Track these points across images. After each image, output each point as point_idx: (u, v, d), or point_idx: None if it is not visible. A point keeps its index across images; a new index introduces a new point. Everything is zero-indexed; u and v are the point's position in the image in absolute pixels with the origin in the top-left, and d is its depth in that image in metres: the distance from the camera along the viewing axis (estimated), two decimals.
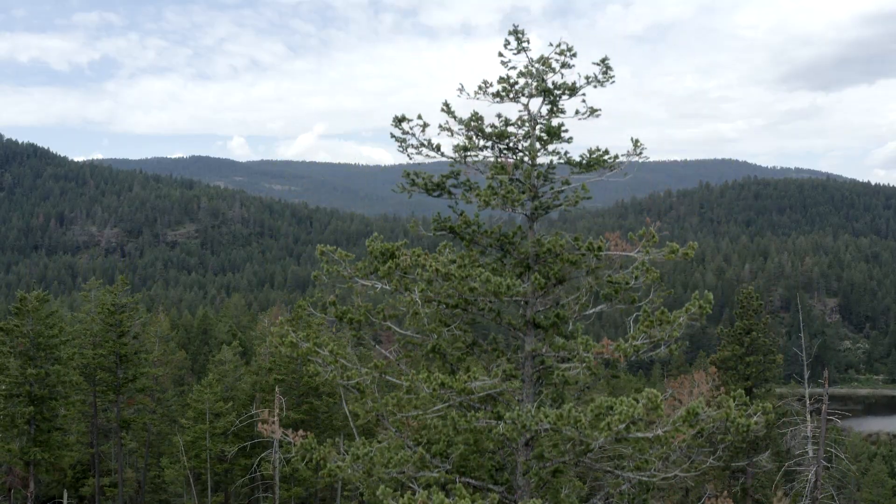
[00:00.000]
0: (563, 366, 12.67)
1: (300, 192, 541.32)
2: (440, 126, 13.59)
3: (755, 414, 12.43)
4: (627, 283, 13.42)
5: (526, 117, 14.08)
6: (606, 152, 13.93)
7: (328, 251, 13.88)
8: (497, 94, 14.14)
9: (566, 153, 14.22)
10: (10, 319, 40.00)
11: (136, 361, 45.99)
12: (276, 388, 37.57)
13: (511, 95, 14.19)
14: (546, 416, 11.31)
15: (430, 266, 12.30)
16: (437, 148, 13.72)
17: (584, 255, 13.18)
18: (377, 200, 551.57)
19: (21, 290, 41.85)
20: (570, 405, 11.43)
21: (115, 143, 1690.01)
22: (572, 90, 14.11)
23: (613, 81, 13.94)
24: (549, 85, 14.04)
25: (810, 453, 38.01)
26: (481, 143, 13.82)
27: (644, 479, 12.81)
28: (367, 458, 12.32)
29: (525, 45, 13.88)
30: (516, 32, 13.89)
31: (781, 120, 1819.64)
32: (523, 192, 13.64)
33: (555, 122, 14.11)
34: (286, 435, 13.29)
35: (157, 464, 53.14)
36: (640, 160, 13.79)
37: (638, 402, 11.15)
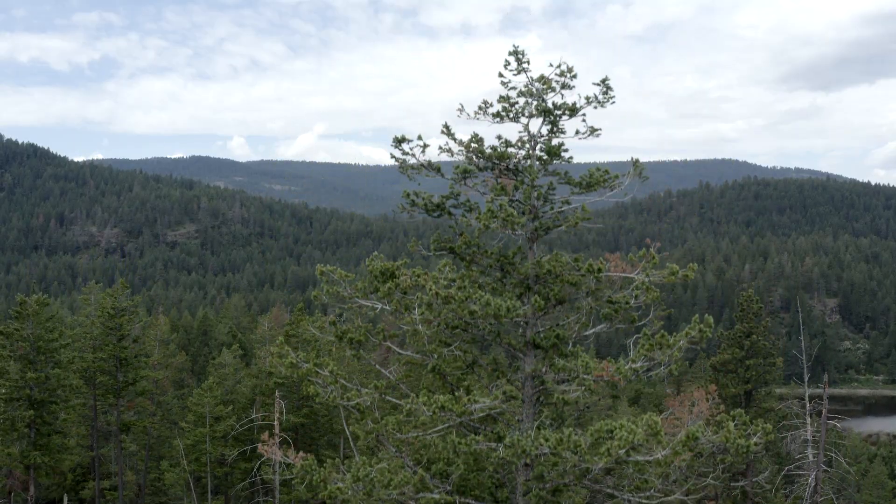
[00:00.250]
0: (563, 388, 12.67)
1: (300, 192, 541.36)
2: (440, 147, 13.61)
3: (755, 434, 12.43)
4: (627, 303, 13.42)
5: (526, 138, 14.09)
6: (607, 172, 13.93)
7: (328, 271, 13.88)
8: (497, 115, 14.14)
9: (566, 173, 14.23)
10: (11, 323, 40.02)
11: (136, 365, 46.00)
12: (276, 392, 37.60)
13: (511, 115, 14.19)
14: (546, 440, 11.32)
15: (430, 289, 12.29)
16: (438, 169, 13.73)
17: (584, 276, 13.18)
18: (377, 200, 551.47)
19: (21, 294, 41.84)
20: (569, 430, 11.43)
21: (115, 143, 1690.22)
22: (573, 110, 14.11)
23: (614, 102, 13.94)
24: (550, 105, 14.03)
25: (810, 457, 37.99)
26: (481, 162, 13.82)
27: (643, 501, 12.80)
28: (367, 480, 12.30)
29: (525, 65, 13.87)
30: (516, 53, 13.90)
31: (781, 120, 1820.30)
32: (523, 214, 13.64)
33: (555, 141, 14.11)
34: (286, 456, 13.26)
35: (157, 467, 53.15)
36: (641, 180, 13.77)
37: (637, 426, 11.16)
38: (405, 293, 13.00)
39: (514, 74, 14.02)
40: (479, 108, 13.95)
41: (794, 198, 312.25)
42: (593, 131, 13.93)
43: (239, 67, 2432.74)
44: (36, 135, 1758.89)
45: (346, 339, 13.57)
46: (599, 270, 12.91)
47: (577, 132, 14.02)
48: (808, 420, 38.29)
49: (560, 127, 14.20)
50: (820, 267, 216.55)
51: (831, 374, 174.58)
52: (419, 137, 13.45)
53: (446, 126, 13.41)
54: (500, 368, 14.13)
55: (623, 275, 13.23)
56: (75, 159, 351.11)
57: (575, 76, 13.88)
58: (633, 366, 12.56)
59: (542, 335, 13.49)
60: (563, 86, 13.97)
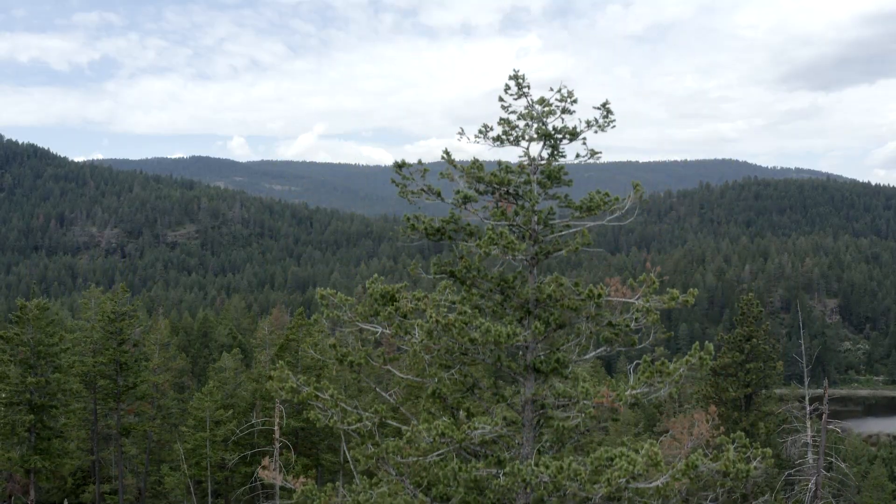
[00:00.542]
0: (563, 414, 12.70)
1: (300, 193, 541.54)
2: (441, 174, 13.62)
3: (755, 458, 12.45)
4: (628, 326, 13.45)
5: (526, 162, 14.11)
6: (607, 194, 13.94)
7: (328, 294, 13.90)
8: (497, 138, 14.17)
9: (566, 196, 14.25)
10: (11, 328, 40.04)
11: (137, 369, 46.04)
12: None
13: (512, 139, 14.21)
14: (546, 468, 11.34)
15: (431, 316, 12.31)
16: (438, 193, 13.76)
17: (584, 301, 13.20)
18: (377, 200, 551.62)
19: (22, 295, 41.89)
20: (569, 459, 11.45)
21: (115, 144, 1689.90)
22: (573, 134, 14.13)
23: (614, 126, 13.98)
24: (550, 129, 14.06)
25: (810, 460, 38.01)
26: (481, 187, 13.85)
27: None
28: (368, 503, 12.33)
29: (526, 89, 13.89)
30: (517, 77, 13.92)
31: (781, 120, 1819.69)
32: (523, 240, 13.68)
33: (555, 165, 14.13)
34: (287, 481, 13.27)
35: (157, 470, 53.17)
36: (641, 203, 13.77)
37: (638, 454, 11.17)
38: (405, 317, 13.03)
39: (515, 99, 14.06)
40: (480, 131, 13.98)
41: (795, 198, 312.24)
42: (593, 154, 13.94)
43: (239, 67, 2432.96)
44: (36, 135, 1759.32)
45: (347, 363, 13.59)
46: (600, 296, 12.93)
47: (578, 155, 14.05)
48: (808, 423, 38.31)
49: (560, 151, 14.23)
50: (820, 267, 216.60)
51: (831, 375, 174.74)
52: (419, 161, 13.50)
53: (446, 152, 13.44)
54: (501, 392, 14.15)
55: (623, 300, 13.24)
56: (75, 159, 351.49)
57: (575, 101, 13.91)
58: (633, 392, 12.57)
59: (542, 359, 13.51)
60: (564, 110, 13.98)
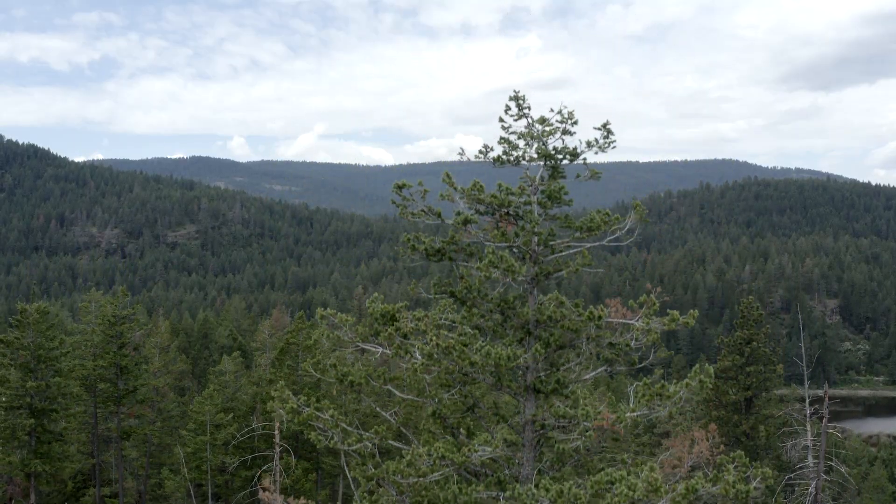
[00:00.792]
0: (563, 437, 12.71)
1: (300, 193, 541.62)
2: (441, 195, 13.63)
3: (755, 478, 12.44)
4: (628, 345, 13.46)
5: (527, 182, 14.12)
6: (608, 214, 13.94)
7: (328, 315, 13.91)
8: (498, 159, 14.18)
9: (566, 216, 14.24)
10: (11, 332, 40.04)
11: (137, 372, 46.02)
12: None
13: (512, 159, 14.22)
14: (547, 492, 11.33)
15: (431, 339, 12.31)
16: (438, 214, 13.76)
17: (584, 322, 13.21)
18: (377, 200, 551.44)
19: (22, 295, 41.93)
20: (569, 483, 11.45)
21: (115, 144, 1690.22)
22: (574, 155, 14.15)
23: (615, 147, 13.99)
24: (551, 150, 14.08)
25: (810, 463, 37.97)
26: (482, 208, 13.85)
27: None
28: None
29: (526, 110, 13.89)
30: (517, 98, 13.92)
31: (781, 120, 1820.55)
32: (524, 261, 13.69)
33: (555, 186, 14.14)
34: (288, 502, 13.27)
35: (157, 474, 53.14)
36: (642, 223, 13.76)
37: (639, 477, 11.16)
38: (406, 337, 13.03)
39: (515, 120, 14.06)
40: (480, 151, 13.98)
41: (795, 198, 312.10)
42: (594, 174, 13.98)
43: (239, 67, 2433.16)
44: (36, 135, 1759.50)
45: (347, 382, 13.58)
46: (600, 318, 12.94)
47: (578, 175, 14.06)
48: (808, 426, 38.28)
49: (560, 171, 14.23)
50: (820, 268, 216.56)
51: (831, 375, 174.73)
52: (420, 183, 13.49)
53: (447, 175, 13.43)
54: (501, 412, 14.15)
55: (623, 321, 13.25)
56: (75, 159, 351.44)
57: (576, 122, 13.91)
58: (633, 415, 12.58)
59: (542, 380, 13.52)
60: (564, 131, 13.98)
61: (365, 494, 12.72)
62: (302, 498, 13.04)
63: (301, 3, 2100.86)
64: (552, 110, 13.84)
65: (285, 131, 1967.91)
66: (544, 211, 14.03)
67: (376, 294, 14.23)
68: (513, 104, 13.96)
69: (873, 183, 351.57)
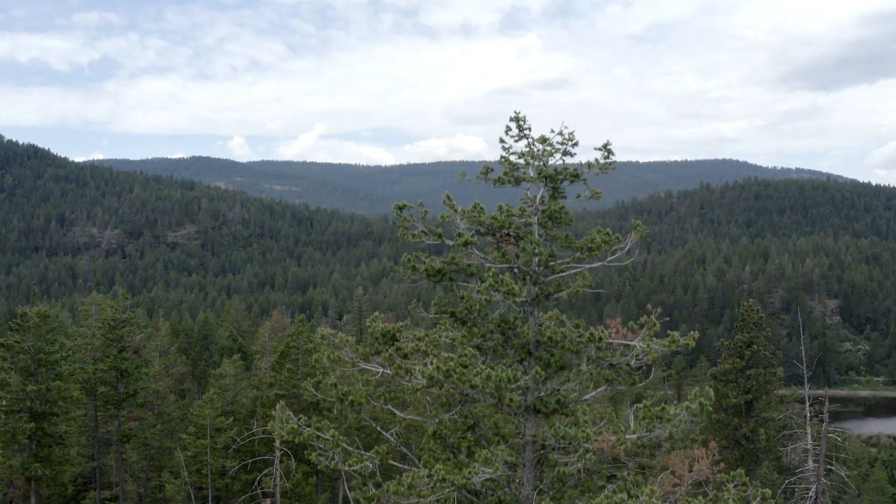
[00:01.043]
0: (564, 459, 12.70)
1: (300, 193, 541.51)
2: (441, 216, 13.62)
3: (755, 498, 12.46)
4: (628, 365, 13.47)
5: (527, 203, 14.13)
6: (608, 234, 13.95)
7: (329, 335, 13.91)
8: (499, 179, 14.20)
9: (567, 236, 14.24)
10: (11, 335, 40.07)
11: (137, 376, 46.02)
12: (278, 404, 37.52)
13: (513, 180, 14.23)
14: None
15: (432, 361, 12.31)
16: (439, 235, 13.76)
17: (584, 343, 13.22)
18: (377, 200, 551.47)
19: (22, 300, 41.96)
20: None
21: (115, 144, 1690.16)
22: (574, 175, 14.16)
23: (615, 168, 13.98)
24: (551, 171, 14.09)
25: (810, 465, 37.97)
26: (482, 229, 13.86)
27: None
28: None
29: (526, 131, 13.90)
30: (517, 119, 13.92)
31: (781, 120, 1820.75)
32: (524, 282, 13.70)
33: (556, 206, 14.15)
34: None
35: (158, 477, 53.14)
36: (643, 242, 13.77)
37: (638, 499, 11.16)
38: (406, 357, 13.04)
39: (515, 140, 14.05)
40: (481, 173, 13.96)
41: (795, 198, 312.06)
42: (595, 194, 14.00)
43: (239, 67, 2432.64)
44: (36, 135, 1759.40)
45: (348, 402, 13.59)
46: (601, 339, 12.95)
47: (579, 195, 14.09)
48: (808, 429, 38.26)
49: (561, 191, 14.25)
50: (820, 268, 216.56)
51: (832, 376, 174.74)
52: (420, 204, 13.50)
53: (448, 196, 13.44)
54: (501, 432, 14.16)
55: (624, 342, 13.26)
56: (75, 159, 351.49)
57: (576, 144, 13.91)
58: (633, 437, 12.59)
59: (542, 400, 13.54)
60: (565, 152, 13.98)
61: None
62: (303, 501, 12.99)
63: (301, 3, 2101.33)
64: (552, 131, 13.88)
65: (285, 131, 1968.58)
66: (545, 231, 14.04)
67: (377, 313, 14.23)
68: (513, 125, 13.99)
69: (873, 183, 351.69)
